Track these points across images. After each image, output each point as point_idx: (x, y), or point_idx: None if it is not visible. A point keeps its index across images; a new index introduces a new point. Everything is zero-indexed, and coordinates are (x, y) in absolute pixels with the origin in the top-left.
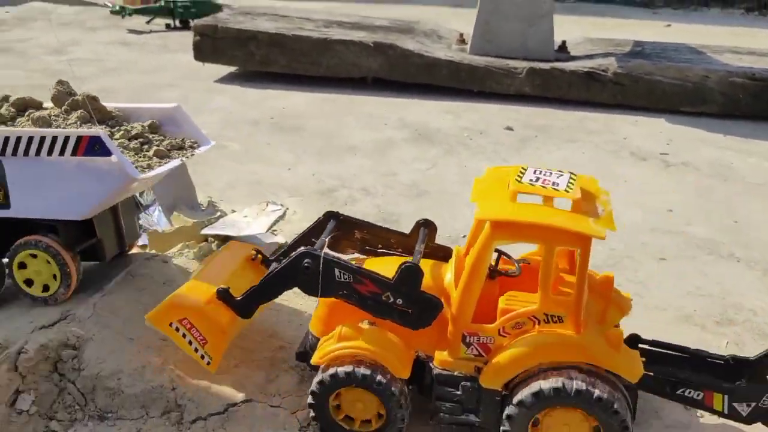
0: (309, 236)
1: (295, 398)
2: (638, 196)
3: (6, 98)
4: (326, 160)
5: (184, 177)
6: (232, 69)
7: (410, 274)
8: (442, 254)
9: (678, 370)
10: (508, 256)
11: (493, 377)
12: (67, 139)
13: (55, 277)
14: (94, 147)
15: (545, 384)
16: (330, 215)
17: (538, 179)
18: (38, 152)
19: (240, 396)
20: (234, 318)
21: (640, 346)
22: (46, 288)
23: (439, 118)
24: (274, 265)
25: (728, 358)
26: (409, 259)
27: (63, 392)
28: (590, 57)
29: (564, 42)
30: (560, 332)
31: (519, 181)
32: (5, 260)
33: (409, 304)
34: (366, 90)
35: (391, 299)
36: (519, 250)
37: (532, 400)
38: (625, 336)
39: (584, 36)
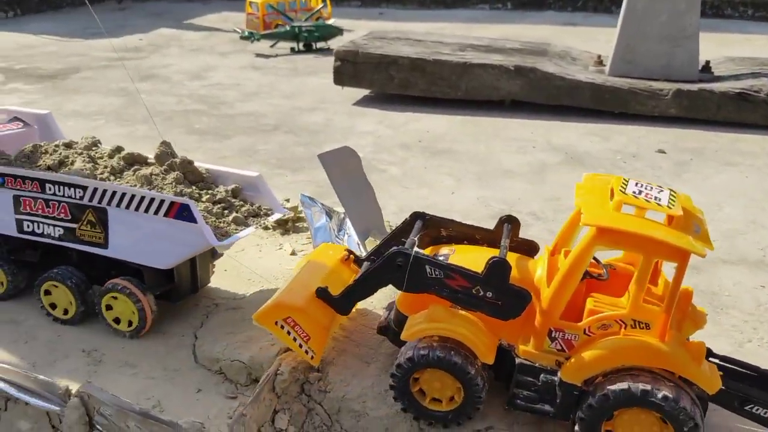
0: (398, 236)
1: (531, 428)
2: None
3: (119, 149)
4: (486, 184)
5: (374, 203)
6: (366, 92)
7: (498, 268)
8: (527, 248)
9: (748, 387)
10: (597, 261)
11: (574, 372)
12: (162, 202)
13: (134, 312)
14: (183, 213)
15: (623, 385)
16: (417, 215)
17: (641, 192)
18: (137, 208)
19: (482, 425)
20: (333, 314)
21: (711, 359)
22: (129, 323)
23: (585, 140)
24: (366, 265)
25: None
26: (496, 252)
27: (311, 413)
28: (736, 77)
29: (708, 62)
30: (645, 338)
31: (623, 192)
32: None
33: (499, 296)
34: (503, 112)
35: (481, 292)
36: (602, 255)
37: (609, 399)
38: None
39: (724, 55)
